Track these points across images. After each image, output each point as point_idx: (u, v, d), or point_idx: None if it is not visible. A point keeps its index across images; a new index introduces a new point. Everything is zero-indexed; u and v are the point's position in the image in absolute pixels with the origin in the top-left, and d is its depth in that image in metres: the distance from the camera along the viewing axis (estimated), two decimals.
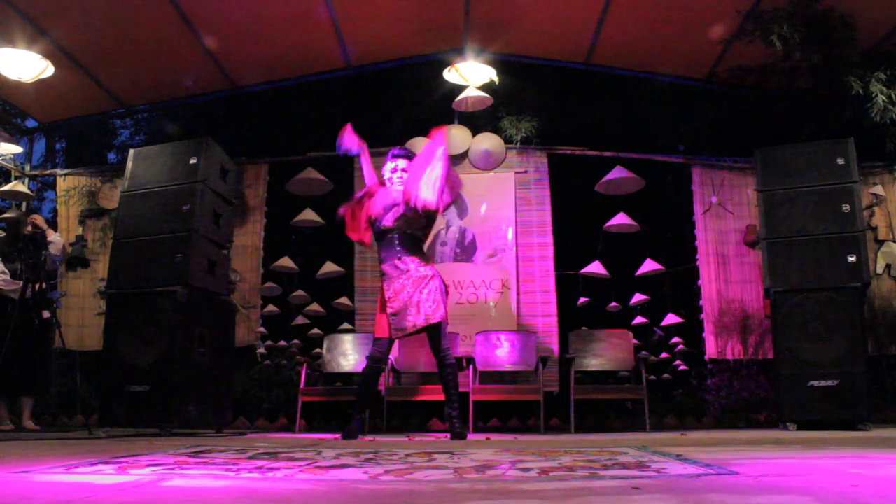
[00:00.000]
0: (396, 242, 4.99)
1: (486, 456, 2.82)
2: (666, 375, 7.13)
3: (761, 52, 6.37)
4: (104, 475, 2.22)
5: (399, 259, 4.94)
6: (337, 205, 7.53)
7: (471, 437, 5.07)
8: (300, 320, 7.37)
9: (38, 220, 6.38)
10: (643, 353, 6.79)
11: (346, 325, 7.23)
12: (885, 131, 6.37)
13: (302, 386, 6.38)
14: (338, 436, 5.01)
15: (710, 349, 6.95)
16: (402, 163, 5.22)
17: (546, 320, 7.05)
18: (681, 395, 7.27)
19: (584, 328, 6.98)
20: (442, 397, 6.07)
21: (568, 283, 7.26)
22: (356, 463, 2.55)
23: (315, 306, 7.36)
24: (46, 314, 5.99)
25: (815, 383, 5.40)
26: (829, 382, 5.37)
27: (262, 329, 7.34)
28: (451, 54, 7.12)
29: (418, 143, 7.25)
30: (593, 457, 2.69)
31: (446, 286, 5.10)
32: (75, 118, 8.07)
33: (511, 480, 2.03)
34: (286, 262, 7.40)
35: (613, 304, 7.16)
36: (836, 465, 2.44)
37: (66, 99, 7.47)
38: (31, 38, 6.15)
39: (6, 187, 7.29)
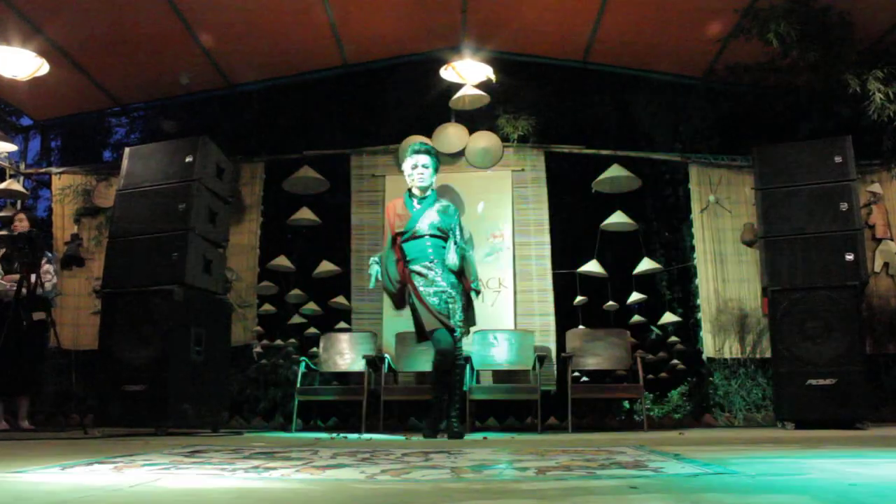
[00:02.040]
0: (427, 245, 5.05)
1: (483, 455, 2.82)
2: (663, 374, 7.12)
3: (759, 50, 6.36)
4: (99, 475, 2.22)
5: (431, 261, 5.00)
6: (334, 203, 7.58)
7: (468, 436, 5.07)
8: (297, 319, 7.36)
9: (23, 218, 6.35)
10: (640, 351, 6.78)
11: (342, 325, 7.21)
12: (882, 129, 6.37)
13: (298, 385, 6.37)
14: (334, 435, 5.02)
15: (708, 348, 6.93)
16: (421, 158, 5.15)
17: (543, 319, 7.03)
18: (678, 394, 7.26)
19: (581, 327, 6.98)
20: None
21: (565, 281, 7.24)
22: (353, 462, 2.55)
23: (312, 305, 7.34)
24: (39, 315, 5.95)
25: (813, 382, 5.41)
26: (827, 381, 5.38)
27: (258, 328, 7.32)
28: (448, 52, 7.09)
29: (415, 142, 7.25)
30: (591, 456, 2.70)
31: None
32: (70, 116, 8.04)
33: (508, 480, 2.03)
34: (283, 260, 7.38)
35: (611, 302, 7.15)
36: (833, 463, 2.45)
37: (62, 97, 7.44)
38: (27, 35, 6.12)
39: (1, 186, 7.26)
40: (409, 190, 5.26)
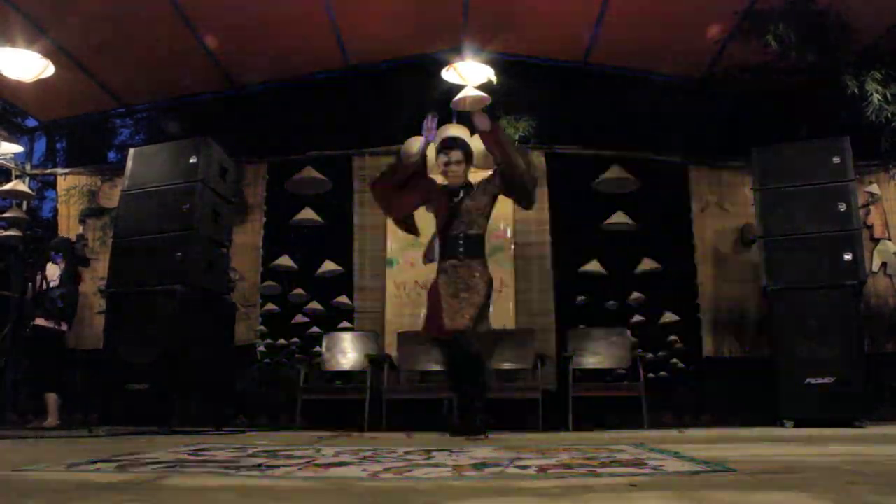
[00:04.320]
0: (460, 243, 4.67)
1: (484, 454, 2.82)
2: (663, 373, 7.13)
3: (758, 52, 6.37)
4: (104, 473, 2.23)
5: (459, 259, 4.63)
6: (336, 204, 7.59)
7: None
8: (299, 319, 7.38)
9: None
10: (640, 350, 6.79)
11: (345, 324, 7.23)
12: (880, 130, 6.37)
13: (301, 384, 6.39)
14: (337, 433, 5.01)
15: (707, 347, 6.95)
16: (454, 154, 4.76)
17: (544, 318, 7.04)
18: (678, 392, 7.27)
19: (581, 326, 6.98)
20: (442, 395, 6.08)
21: (566, 281, 7.25)
22: (355, 461, 2.55)
23: (314, 305, 7.36)
24: (40, 321, 5.98)
25: (812, 381, 5.43)
26: (826, 380, 5.40)
27: (261, 327, 7.34)
28: (449, 53, 7.09)
29: (416, 143, 7.26)
30: (591, 454, 2.70)
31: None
32: (75, 117, 8.05)
33: (509, 478, 2.04)
34: (285, 260, 7.40)
35: (611, 302, 7.16)
36: (832, 462, 2.45)
37: (67, 98, 7.45)
38: (32, 37, 6.13)
39: (7, 186, 7.28)
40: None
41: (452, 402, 6.16)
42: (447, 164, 4.77)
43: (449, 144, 4.81)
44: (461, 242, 4.67)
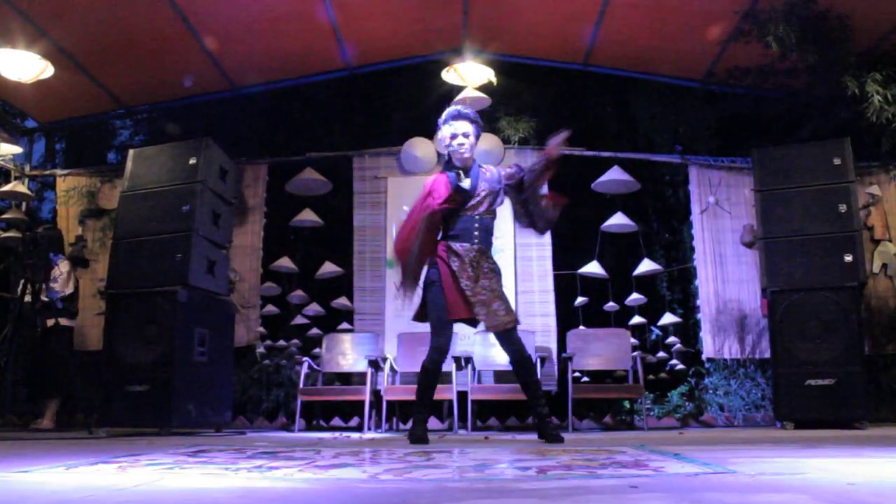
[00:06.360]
0: (475, 227, 4.24)
1: (484, 455, 2.83)
2: (663, 375, 7.13)
3: (758, 53, 6.37)
4: (104, 474, 2.23)
5: (473, 245, 4.20)
6: (336, 205, 7.60)
7: (469, 435, 5.08)
8: (299, 320, 7.38)
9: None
10: (640, 352, 6.80)
11: (345, 325, 7.24)
12: (881, 131, 6.37)
13: (301, 385, 6.39)
14: (337, 435, 5.01)
15: (708, 348, 6.95)
16: (461, 125, 4.28)
17: (544, 320, 7.05)
18: (678, 394, 7.28)
19: (581, 328, 6.99)
20: (442, 396, 6.06)
21: (566, 282, 7.26)
22: (355, 462, 2.55)
23: (314, 306, 7.36)
24: (51, 321, 5.99)
25: (812, 382, 5.42)
26: (826, 381, 5.39)
27: (261, 329, 7.33)
28: (449, 55, 7.12)
29: (417, 144, 7.28)
30: (591, 455, 2.70)
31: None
32: (75, 118, 8.05)
33: (509, 479, 2.04)
34: (285, 261, 7.40)
35: (611, 303, 7.16)
36: (832, 463, 2.45)
37: (66, 99, 7.45)
38: (31, 38, 6.14)
39: (6, 188, 7.27)
40: (448, 163, 4.39)
41: (452, 404, 6.18)
42: (454, 136, 4.29)
43: (456, 115, 4.35)
44: (476, 226, 4.23)
